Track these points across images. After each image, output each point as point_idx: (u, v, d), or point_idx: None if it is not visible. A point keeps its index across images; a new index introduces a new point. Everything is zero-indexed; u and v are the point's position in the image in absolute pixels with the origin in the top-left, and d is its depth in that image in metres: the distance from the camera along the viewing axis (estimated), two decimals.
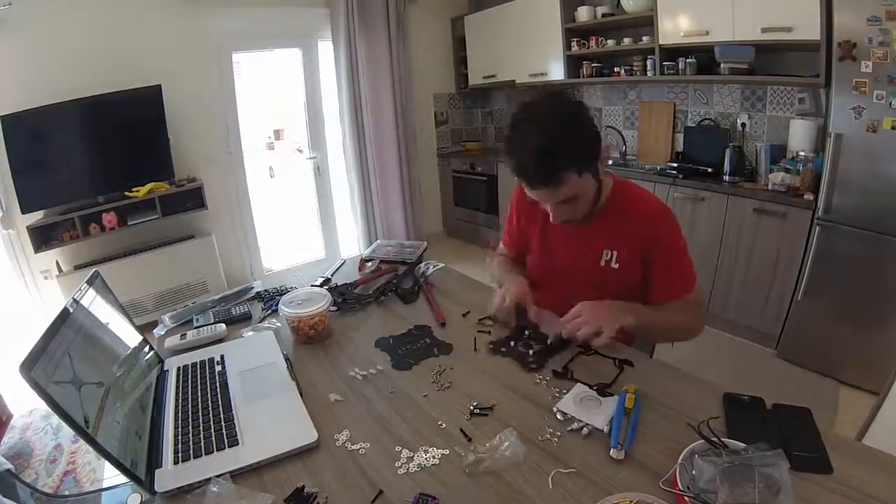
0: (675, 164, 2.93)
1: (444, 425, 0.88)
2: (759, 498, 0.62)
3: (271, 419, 0.91)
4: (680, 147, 3.21)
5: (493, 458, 0.77)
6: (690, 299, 1.15)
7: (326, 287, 1.43)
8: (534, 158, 0.98)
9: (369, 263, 1.66)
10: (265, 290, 1.52)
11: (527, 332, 1.14)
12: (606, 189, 1.17)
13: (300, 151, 4.38)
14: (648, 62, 3.07)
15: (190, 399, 0.98)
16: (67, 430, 2.13)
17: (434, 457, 0.80)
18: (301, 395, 0.97)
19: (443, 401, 0.95)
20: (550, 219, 1.13)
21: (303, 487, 0.75)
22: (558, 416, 0.87)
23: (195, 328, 1.29)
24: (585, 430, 0.83)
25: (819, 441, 0.77)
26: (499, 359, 1.08)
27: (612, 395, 0.91)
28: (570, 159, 0.99)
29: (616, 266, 1.18)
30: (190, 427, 0.90)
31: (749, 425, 0.81)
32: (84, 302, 0.93)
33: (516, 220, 1.38)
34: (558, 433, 0.84)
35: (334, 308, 1.32)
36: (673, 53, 2.92)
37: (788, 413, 0.85)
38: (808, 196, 2.29)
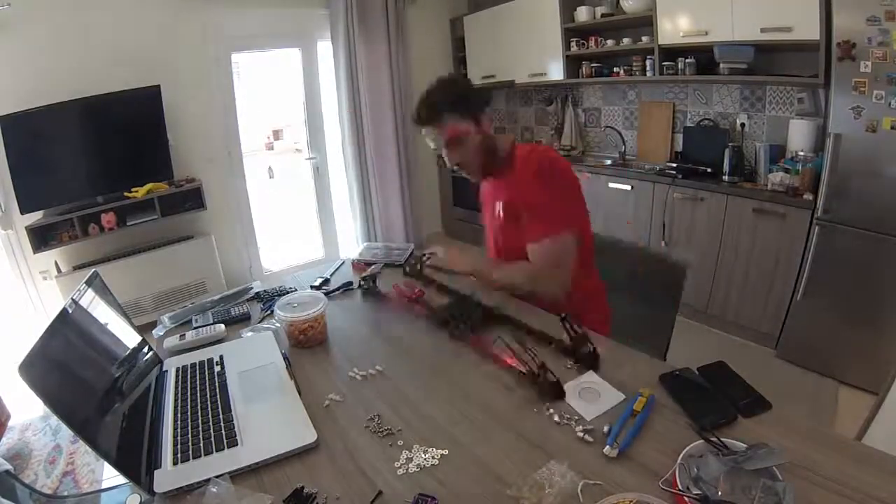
0: (675, 165, 2.93)
1: (443, 425, 0.88)
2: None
3: (270, 420, 0.91)
4: (679, 147, 3.21)
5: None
6: (534, 252, 1.29)
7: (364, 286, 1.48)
8: (420, 102, 1.31)
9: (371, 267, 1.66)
10: (264, 291, 1.52)
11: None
12: (502, 151, 1.38)
13: (299, 151, 4.38)
14: (648, 62, 3.07)
15: (189, 400, 0.98)
16: (66, 431, 2.14)
17: (433, 457, 0.80)
18: (300, 396, 0.97)
19: (442, 400, 0.95)
20: (446, 163, 1.36)
21: (302, 488, 0.75)
22: (554, 418, 0.87)
23: (194, 329, 1.29)
24: (581, 431, 0.83)
25: (748, 385, 0.90)
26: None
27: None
28: (445, 102, 1.28)
29: (501, 216, 1.40)
30: (189, 428, 0.89)
31: (693, 395, 0.88)
32: (83, 302, 0.93)
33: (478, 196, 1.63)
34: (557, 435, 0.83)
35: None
36: (672, 53, 2.92)
37: (713, 371, 0.95)
38: (808, 196, 2.30)
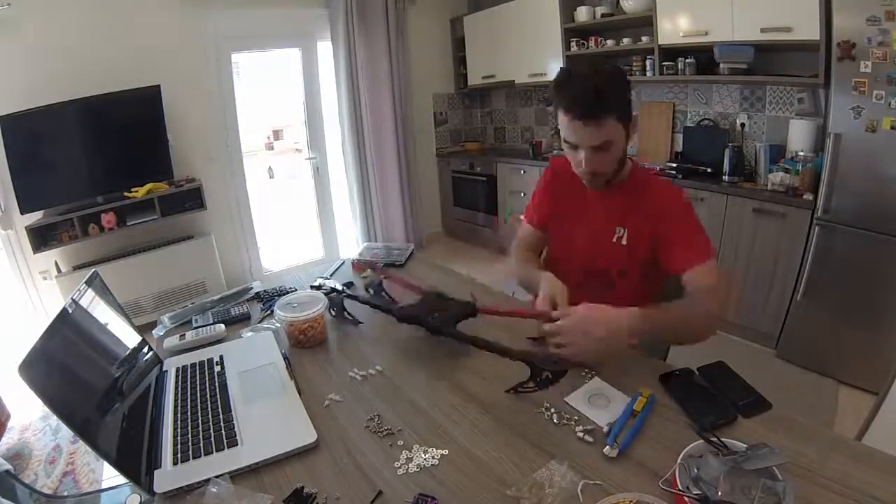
0: (675, 164, 2.93)
1: (444, 425, 0.88)
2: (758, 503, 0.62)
3: (270, 420, 0.91)
4: (679, 147, 3.21)
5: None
6: (710, 274, 1.08)
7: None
8: (588, 91, 1.04)
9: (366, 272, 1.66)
10: (264, 291, 1.52)
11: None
12: (627, 167, 1.21)
13: (299, 151, 4.38)
14: (648, 62, 3.07)
15: (189, 399, 0.98)
16: (66, 431, 2.14)
17: (433, 457, 0.80)
18: (300, 396, 0.97)
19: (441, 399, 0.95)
20: (582, 166, 1.12)
21: (302, 488, 0.75)
22: (554, 419, 0.87)
23: (194, 329, 1.29)
24: (581, 431, 0.83)
25: (747, 385, 0.90)
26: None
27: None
28: (616, 101, 1.06)
29: (625, 244, 1.21)
30: (189, 428, 0.89)
31: (693, 395, 0.88)
32: (83, 302, 0.93)
33: (547, 197, 1.38)
34: (558, 433, 0.83)
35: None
36: (672, 53, 2.92)
37: (712, 371, 0.95)
38: (808, 196, 2.30)
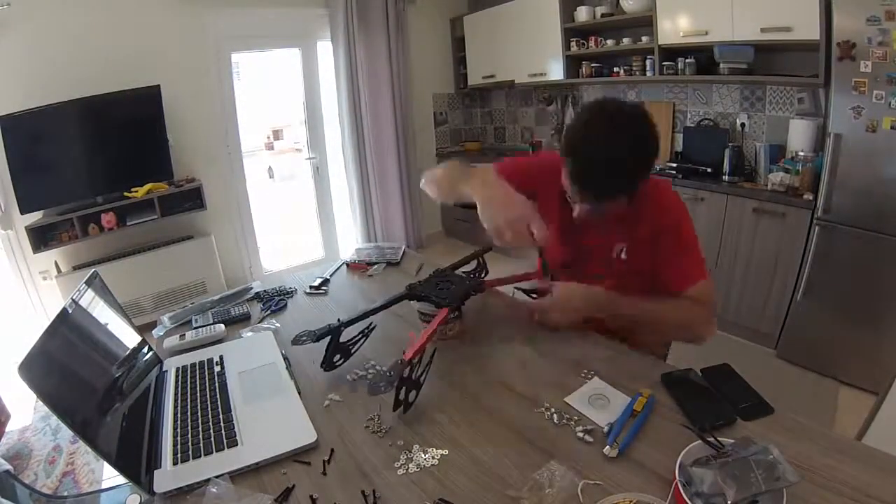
0: (675, 164, 2.93)
1: (443, 425, 0.88)
2: (764, 484, 0.62)
3: (270, 420, 0.91)
4: (679, 147, 3.21)
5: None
6: (699, 297, 1.07)
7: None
8: (597, 172, 0.95)
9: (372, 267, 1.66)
10: (264, 291, 1.52)
11: None
12: None
13: (299, 151, 4.38)
14: (648, 62, 3.07)
15: (189, 400, 0.98)
16: (66, 431, 2.14)
17: (433, 457, 0.80)
18: (300, 396, 0.97)
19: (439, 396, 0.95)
20: (574, 213, 1.09)
21: (293, 487, 0.75)
22: (554, 419, 0.87)
23: (194, 329, 1.29)
24: (581, 431, 0.83)
25: (751, 388, 0.89)
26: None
27: None
28: (629, 184, 0.99)
29: (624, 258, 1.17)
30: (189, 428, 0.89)
31: (694, 397, 0.88)
32: (83, 302, 0.93)
33: (530, 172, 1.25)
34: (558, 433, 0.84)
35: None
36: (672, 53, 2.92)
37: (716, 373, 0.94)
38: (808, 196, 2.30)
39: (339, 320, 1.06)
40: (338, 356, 1.06)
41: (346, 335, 1.07)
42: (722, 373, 0.94)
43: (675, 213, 1.13)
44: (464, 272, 1.25)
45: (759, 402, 0.86)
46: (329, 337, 1.03)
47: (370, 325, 1.11)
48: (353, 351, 1.09)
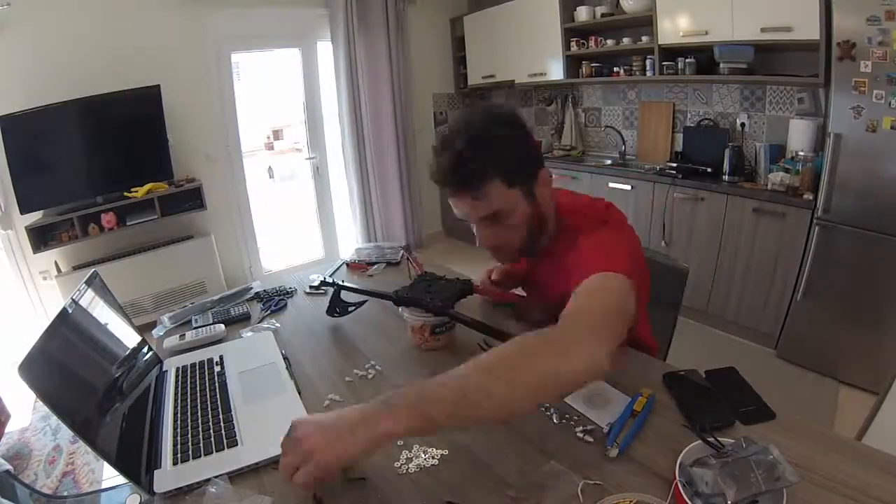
0: (675, 164, 2.93)
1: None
2: (764, 484, 0.62)
3: (270, 420, 0.91)
4: (679, 147, 3.21)
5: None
6: (591, 290, 0.80)
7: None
8: (452, 157, 0.87)
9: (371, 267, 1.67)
10: (264, 291, 1.52)
11: None
12: (551, 218, 1.00)
13: (299, 151, 4.38)
14: (648, 62, 3.07)
15: (189, 400, 0.98)
16: (66, 431, 2.14)
17: (433, 457, 0.80)
18: (300, 396, 0.97)
19: None
20: (477, 242, 0.97)
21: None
22: (554, 418, 0.87)
23: (194, 329, 1.29)
24: (581, 431, 0.83)
25: (755, 393, 0.87)
26: None
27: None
28: (494, 161, 0.87)
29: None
30: (189, 428, 0.89)
31: (695, 398, 0.87)
32: (83, 302, 0.93)
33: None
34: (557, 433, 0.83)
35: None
36: (672, 53, 2.92)
37: (720, 376, 0.93)
38: (808, 196, 2.30)
39: (342, 281, 1.31)
40: (336, 310, 1.28)
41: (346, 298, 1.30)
42: (726, 376, 0.94)
43: (587, 223, 0.96)
44: (448, 277, 1.24)
45: (761, 407, 0.85)
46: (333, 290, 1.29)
47: (365, 300, 1.30)
48: (350, 310, 1.29)
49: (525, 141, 0.93)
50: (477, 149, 0.86)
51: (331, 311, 1.29)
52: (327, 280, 1.38)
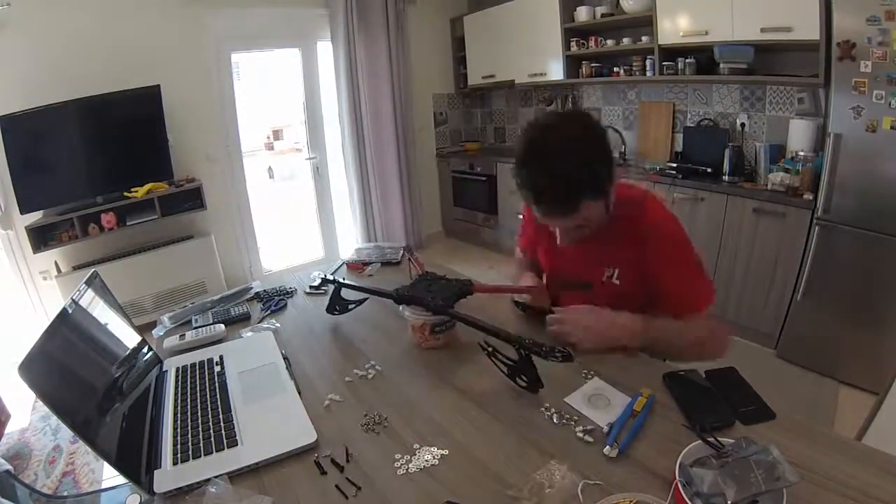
0: (675, 164, 2.93)
1: (443, 425, 0.88)
2: (764, 484, 0.62)
3: (270, 420, 0.91)
4: (679, 147, 3.21)
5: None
6: (706, 322, 1.07)
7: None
8: (551, 185, 0.94)
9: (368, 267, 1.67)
10: (264, 291, 1.52)
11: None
12: (611, 205, 1.09)
13: (299, 151, 4.38)
14: (648, 62, 3.07)
15: (189, 400, 0.98)
16: (66, 431, 2.14)
17: (434, 457, 0.80)
18: (300, 396, 0.97)
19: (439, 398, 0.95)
20: (557, 241, 1.11)
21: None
22: (554, 419, 0.87)
23: (194, 329, 1.29)
24: (581, 431, 0.83)
25: (755, 393, 0.88)
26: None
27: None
28: (587, 187, 0.95)
29: (617, 282, 1.14)
30: (189, 428, 0.89)
31: (695, 398, 0.88)
32: (83, 302, 0.93)
33: (531, 228, 1.37)
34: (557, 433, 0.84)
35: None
36: (672, 53, 2.92)
37: (721, 376, 0.93)
38: (808, 196, 2.30)
39: (342, 279, 1.33)
40: (336, 308, 1.29)
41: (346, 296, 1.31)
42: (727, 376, 0.94)
43: (670, 232, 1.09)
44: (449, 277, 1.23)
45: (761, 408, 0.85)
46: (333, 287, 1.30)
47: (365, 298, 1.31)
48: (349, 308, 1.31)
49: (610, 153, 1.00)
50: (575, 173, 0.93)
51: (331, 308, 1.29)
52: (328, 278, 1.39)
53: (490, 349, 0.96)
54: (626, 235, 1.09)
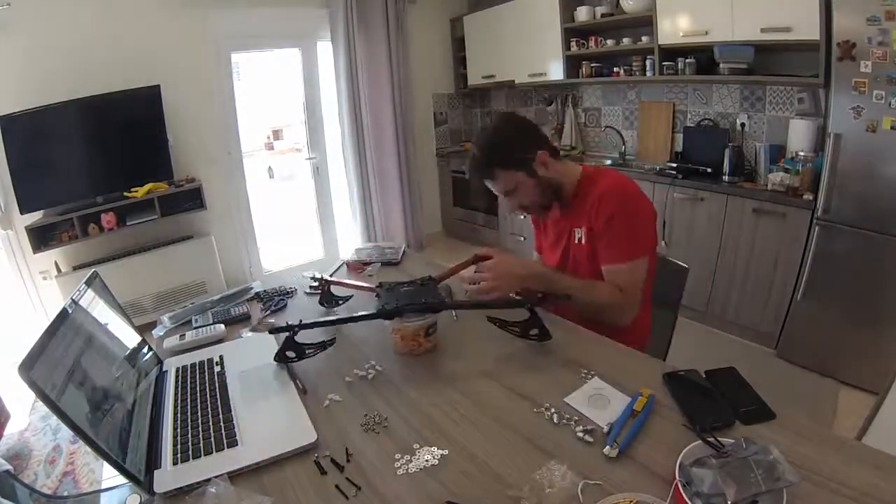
0: (675, 165, 2.93)
1: (442, 425, 0.88)
2: (764, 484, 0.62)
3: (270, 420, 0.91)
4: (679, 147, 3.21)
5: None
6: (612, 279, 1.23)
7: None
8: (471, 159, 1.32)
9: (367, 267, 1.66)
10: (264, 291, 1.52)
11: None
12: (572, 180, 1.33)
13: (299, 151, 4.38)
14: (648, 62, 3.07)
15: (189, 400, 0.98)
16: (66, 431, 2.14)
17: (434, 457, 0.80)
18: (300, 396, 0.97)
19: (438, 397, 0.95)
20: (507, 209, 1.40)
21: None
22: (554, 418, 0.87)
23: (194, 329, 1.29)
24: (581, 431, 0.83)
25: (755, 393, 0.88)
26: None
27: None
28: (498, 160, 1.26)
29: (584, 243, 1.32)
30: (189, 428, 0.89)
31: (695, 398, 0.88)
32: (83, 303, 0.93)
33: (535, 230, 1.58)
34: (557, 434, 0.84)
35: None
36: (672, 53, 2.92)
37: (721, 376, 0.94)
38: (808, 196, 2.30)
39: (300, 321, 1.07)
40: (293, 354, 1.07)
41: (306, 337, 1.09)
42: (727, 376, 0.94)
43: (617, 193, 1.25)
44: (410, 280, 1.23)
45: (761, 408, 0.85)
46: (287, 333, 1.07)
47: (332, 339, 1.12)
48: (308, 354, 1.08)
49: (517, 136, 1.29)
50: (487, 152, 1.29)
51: (281, 357, 1.07)
52: (322, 278, 1.38)
53: (498, 322, 1.12)
54: (586, 201, 1.29)
